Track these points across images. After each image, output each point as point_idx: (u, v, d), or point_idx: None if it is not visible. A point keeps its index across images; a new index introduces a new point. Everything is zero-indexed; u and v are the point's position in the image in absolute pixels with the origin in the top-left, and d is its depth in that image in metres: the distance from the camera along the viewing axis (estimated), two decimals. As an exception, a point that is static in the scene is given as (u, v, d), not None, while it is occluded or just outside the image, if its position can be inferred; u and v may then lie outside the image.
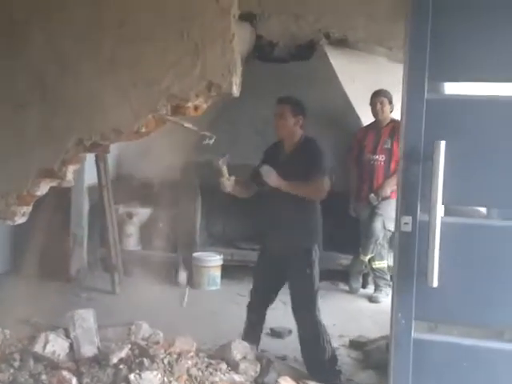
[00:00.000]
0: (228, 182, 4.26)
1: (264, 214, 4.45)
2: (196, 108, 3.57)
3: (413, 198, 3.33)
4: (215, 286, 6.74)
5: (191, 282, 6.75)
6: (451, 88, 3.45)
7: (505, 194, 3.25)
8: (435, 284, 3.22)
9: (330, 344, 4.34)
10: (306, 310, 4.30)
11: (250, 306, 4.57)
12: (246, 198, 4.53)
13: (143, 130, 3.52)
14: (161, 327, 4.01)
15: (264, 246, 4.55)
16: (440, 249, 3.20)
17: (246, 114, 6.89)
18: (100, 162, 6.37)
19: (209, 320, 5.46)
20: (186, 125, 3.68)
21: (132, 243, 7.25)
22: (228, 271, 6.86)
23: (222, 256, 6.82)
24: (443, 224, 3.21)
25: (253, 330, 4.51)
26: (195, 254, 6.81)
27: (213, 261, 6.74)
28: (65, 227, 6.78)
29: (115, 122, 3.55)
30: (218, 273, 6.76)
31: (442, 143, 3.19)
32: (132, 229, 7.24)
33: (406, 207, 3.34)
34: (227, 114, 6.86)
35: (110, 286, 6.41)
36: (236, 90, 3.50)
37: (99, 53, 3.52)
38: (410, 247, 3.33)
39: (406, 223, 3.33)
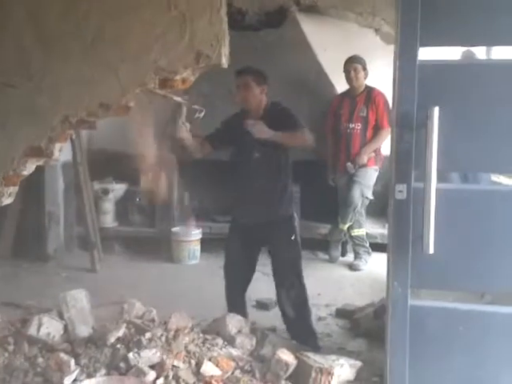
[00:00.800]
0: (182, 127, 4.14)
1: (240, 183, 4.37)
2: (184, 81, 3.50)
3: (407, 166, 3.32)
4: (195, 260, 6.72)
5: (171, 256, 6.69)
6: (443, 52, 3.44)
7: (499, 159, 3.27)
8: (431, 251, 3.24)
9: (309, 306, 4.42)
10: (293, 276, 4.31)
11: (229, 285, 4.48)
12: (197, 157, 4.43)
13: (131, 104, 3.44)
14: (148, 304, 3.97)
15: (239, 216, 4.46)
16: (435, 216, 3.22)
17: (219, 85, 6.80)
18: (75, 138, 6.23)
19: (194, 294, 5.43)
20: (176, 98, 3.61)
21: (109, 220, 7.15)
22: (206, 245, 6.83)
23: (200, 230, 6.78)
24: (438, 190, 3.22)
25: (236, 309, 4.39)
26: (174, 229, 6.76)
27: (192, 235, 6.70)
28: (39, 206, 6.64)
29: (102, 97, 3.46)
30: (197, 247, 6.74)
31: (436, 109, 3.18)
32: (108, 205, 7.13)
33: (400, 175, 3.33)
34: (200, 85, 6.75)
35: (90, 264, 6.32)
36: (225, 61, 3.44)
37: (84, 28, 3.41)
38: (404, 215, 3.34)
39: (400, 191, 3.33)
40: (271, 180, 4.27)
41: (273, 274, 4.41)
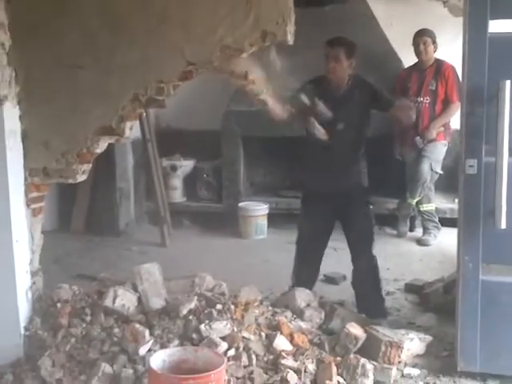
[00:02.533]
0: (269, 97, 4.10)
1: (319, 153, 4.34)
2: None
3: (477, 141, 3.29)
4: (262, 235, 6.77)
5: (238, 231, 6.78)
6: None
7: None
8: (503, 226, 3.22)
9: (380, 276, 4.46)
10: (366, 249, 4.35)
11: (301, 258, 4.49)
12: (281, 120, 4.31)
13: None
14: (217, 278, 4.05)
15: (317, 189, 4.41)
16: (507, 190, 3.18)
17: (286, 61, 6.79)
18: (143, 116, 6.36)
19: (262, 269, 5.51)
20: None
21: (177, 195, 7.28)
22: (273, 220, 6.88)
23: (267, 205, 6.83)
24: (510, 165, 3.18)
25: (307, 276, 4.46)
26: (241, 204, 6.83)
27: (259, 210, 6.76)
28: (110, 182, 6.82)
29: (169, 76, 3.55)
30: (264, 222, 6.79)
31: (508, 83, 3.14)
32: (176, 181, 7.26)
33: (470, 150, 3.31)
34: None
35: (160, 238, 6.47)
36: (291, 38, 3.46)
37: (150, 10, 3.50)
38: (475, 190, 3.32)
39: (470, 166, 3.30)
40: (351, 152, 4.31)
41: (348, 246, 4.42)
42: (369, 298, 4.33)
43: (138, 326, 3.39)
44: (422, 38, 6.31)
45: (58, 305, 3.65)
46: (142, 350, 3.29)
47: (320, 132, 4.17)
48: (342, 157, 4.27)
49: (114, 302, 3.56)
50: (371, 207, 4.40)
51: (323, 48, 4.27)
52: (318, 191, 4.39)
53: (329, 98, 4.23)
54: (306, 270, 4.49)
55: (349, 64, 4.24)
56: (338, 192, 4.25)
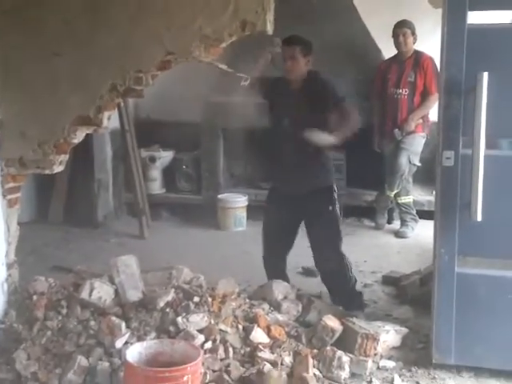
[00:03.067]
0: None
1: (280, 153, 4.34)
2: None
3: (454, 133, 3.30)
4: (241, 227, 6.75)
5: (217, 223, 6.76)
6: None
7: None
8: (479, 218, 3.23)
9: (352, 271, 4.39)
10: (331, 248, 4.29)
11: (268, 254, 4.49)
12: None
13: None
14: (195, 270, 4.04)
15: (278, 186, 4.43)
16: (483, 183, 3.19)
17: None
18: (122, 106, 6.31)
19: (240, 261, 5.50)
20: (221, 66, 3.62)
21: (156, 187, 7.24)
22: (252, 212, 6.85)
23: (247, 197, 6.82)
24: (486, 157, 3.20)
25: (277, 275, 4.39)
26: (220, 196, 6.82)
27: (239, 202, 6.75)
28: (88, 173, 6.76)
29: (148, 65, 3.52)
30: (243, 214, 6.77)
31: (485, 75, 3.15)
32: (155, 173, 7.21)
33: (447, 142, 3.32)
34: (244, 52, 6.74)
35: (138, 230, 6.44)
36: (270, 28, 3.45)
37: (130, -2, 3.47)
38: (452, 182, 3.32)
39: (447, 158, 3.31)
40: (307, 149, 4.17)
41: (311, 247, 4.39)
42: (341, 293, 4.30)
43: (114, 318, 3.38)
44: (402, 30, 6.31)
45: (34, 297, 3.62)
46: (119, 343, 3.28)
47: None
48: (297, 154, 4.18)
49: (90, 295, 3.53)
50: (336, 206, 4.28)
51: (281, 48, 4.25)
52: (279, 187, 4.41)
53: (283, 95, 4.24)
54: (271, 266, 4.48)
55: (306, 62, 4.22)
56: (297, 190, 4.23)
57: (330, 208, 4.26)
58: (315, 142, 3.98)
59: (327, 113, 4.15)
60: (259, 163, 7.14)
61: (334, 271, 4.33)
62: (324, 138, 3.98)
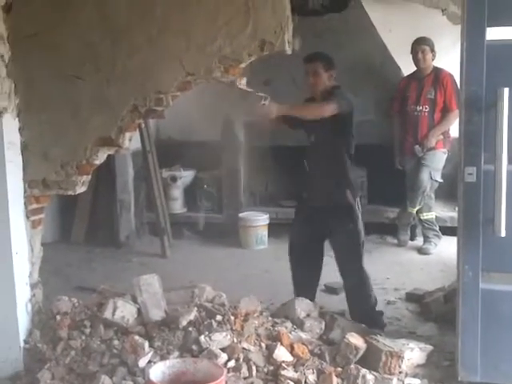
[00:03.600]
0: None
1: (304, 170, 4.42)
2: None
3: (476, 149, 3.28)
4: (263, 245, 6.76)
5: (239, 241, 6.77)
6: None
7: None
8: (503, 234, 3.20)
9: (373, 290, 4.40)
10: (352, 264, 4.30)
11: (295, 270, 4.49)
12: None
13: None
14: (218, 288, 4.04)
15: (303, 204, 4.51)
16: (506, 198, 3.17)
17: (285, 70, 6.81)
18: (143, 127, 6.37)
19: (262, 279, 5.50)
20: (241, 86, 3.64)
21: (177, 206, 7.29)
22: (273, 230, 6.86)
23: (268, 215, 6.83)
24: (509, 173, 3.18)
25: (306, 290, 4.42)
26: (242, 214, 6.83)
27: (260, 220, 6.76)
28: (110, 194, 6.83)
29: (169, 87, 3.56)
30: (265, 232, 6.78)
31: (506, 90, 3.13)
32: (176, 192, 7.26)
33: (469, 158, 3.30)
34: (264, 71, 6.78)
35: (160, 249, 6.46)
36: (289, 48, 3.47)
37: (150, 20, 3.51)
38: (474, 198, 3.30)
39: (470, 174, 3.29)
40: (327, 165, 4.28)
41: (336, 261, 4.41)
42: (362, 311, 4.28)
43: (137, 337, 3.38)
44: (421, 47, 6.32)
45: (58, 317, 3.65)
46: (142, 362, 3.28)
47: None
48: (321, 171, 4.27)
49: (113, 314, 3.55)
50: (359, 224, 4.28)
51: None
52: (305, 203, 4.46)
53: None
54: (301, 283, 4.48)
55: (328, 77, 4.28)
56: (320, 206, 4.28)
57: (351, 225, 4.26)
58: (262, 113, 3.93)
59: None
60: (281, 180, 7.17)
61: (355, 288, 4.34)
62: (270, 109, 3.90)
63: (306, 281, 4.51)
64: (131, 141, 3.83)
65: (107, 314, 3.55)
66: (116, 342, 3.45)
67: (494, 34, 3.24)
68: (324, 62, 4.27)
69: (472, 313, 3.36)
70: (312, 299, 4.30)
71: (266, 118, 4.02)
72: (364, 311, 4.30)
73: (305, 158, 4.46)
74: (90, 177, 3.77)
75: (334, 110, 4.06)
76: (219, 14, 3.44)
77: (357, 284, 4.33)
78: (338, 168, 4.29)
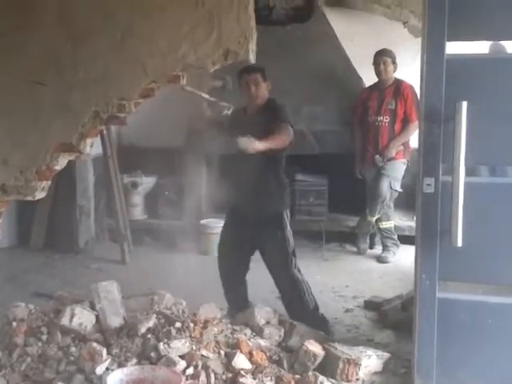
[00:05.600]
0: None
1: (234, 180, 4.44)
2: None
3: (434, 160, 3.33)
4: (224, 253, 6.74)
5: (200, 248, 6.75)
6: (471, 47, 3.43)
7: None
8: (459, 244, 3.25)
9: (312, 295, 4.45)
10: (282, 271, 4.38)
11: (226, 276, 4.57)
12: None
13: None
14: (177, 296, 4.03)
15: (234, 213, 4.55)
16: (463, 209, 3.22)
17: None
18: (105, 133, 6.32)
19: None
20: (204, 95, 3.65)
21: (138, 213, 7.25)
22: (234, 237, 6.85)
23: (228, 222, 6.82)
24: (466, 184, 3.23)
25: (237, 300, 4.52)
26: (203, 221, 6.82)
27: (221, 227, 6.71)
28: (70, 199, 6.75)
29: (132, 93, 3.55)
30: (226, 239, 6.76)
31: (464, 104, 3.19)
32: (137, 198, 7.23)
33: (428, 168, 3.35)
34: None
35: (120, 256, 6.42)
36: (253, 57, 3.49)
37: (114, 25, 3.49)
38: (432, 208, 3.35)
39: (428, 184, 3.34)
40: (257, 177, 4.28)
41: (268, 270, 4.46)
42: (301, 317, 4.26)
43: (95, 344, 3.35)
44: (382, 58, 6.42)
45: (14, 323, 3.58)
46: (99, 370, 3.25)
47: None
48: (250, 177, 4.26)
49: (71, 321, 3.52)
50: (287, 231, 4.36)
51: (239, 78, 4.40)
52: (235, 214, 4.52)
53: (242, 121, 4.37)
54: (231, 293, 4.56)
55: (266, 86, 4.37)
56: (250, 216, 4.34)
57: (279, 234, 4.34)
58: (242, 146, 3.93)
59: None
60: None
61: (289, 294, 4.42)
62: (249, 143, 3.92)
63: (234, 288, 4.59)
64: (92, 146, 3.80)
65: (65, 321, 3.51)
66: (73, 349, 3.41)
67: (453, 48, 3.30)
68: (262, 72, 4.34)
69: (428, 321, 3.40)
70: (244, 305, 4.39)
71: (246, 151, 3.96)
72: (302, 316, 4.31)
73: (232, 167, 4.48)
74: (49, 182, 3.73)
75: (291, 134, 4.18)
76: (184, 22, 3.44)
77: (290, 290, 4.40)
78: (270, 177, 4.35)
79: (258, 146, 3.94)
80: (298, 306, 4.38)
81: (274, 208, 4.37)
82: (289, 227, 4.39)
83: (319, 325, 4.31)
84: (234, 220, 4.52)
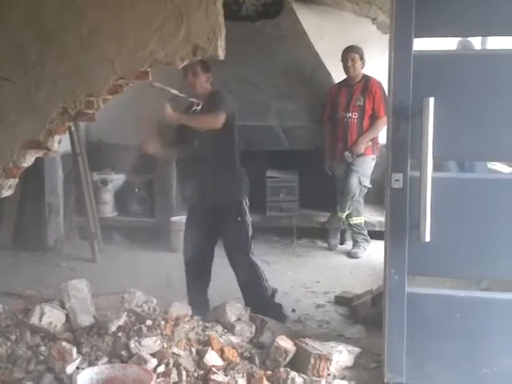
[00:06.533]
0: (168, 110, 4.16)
1: (195, 174, 4.51)
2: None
3: (403, 155, 3.36)
4: (195, 249, 6.72)
5: (170, 246, 6.72)
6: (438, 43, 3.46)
7: (495, 147, 3.31)
8: (427, 239, 3.29)
9: (267, 282, 4.55)
10: (242, 255, 4.49)
11: (190, 269, 4.62)
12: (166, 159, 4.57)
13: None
14: (148, 293, 4.01)
15: (196, 204, 4.61)
16: (431, 204, 3.26)
17: (217, 75, 6.81)
18: (73, 130, 6.26)
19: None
20: (173, 91, 3.64)
21: (108, 210, 7.19)
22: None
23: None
24: (434, 179, 3.27)
25: (198, 293, 4.57)
26: (174, 218, 6.78)
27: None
28: (39, 197, 6.68)
29: (98, 89, 3.52)
30: (197, 236, 6.75)
31: (431, 100, 3.22)
32: (107, 196, 7.16)
33: (396, 164, 3.38)
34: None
35: (90, 254, 6.36)
36: (222, 53, 3.48)
37: (82, 22, 3.46)
38: (401, 203, 3.38)
39: (396, 180, 3.37)
40: (213, 167, 4.39)
41: (227, 256, 4.56)
42: (257, 303, 4.36)
43: (65, 343, 3.33)
44: (350, 55, 6.45)
45: (-18, 323, 3.55)
46: (69, 369, 3.23)
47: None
48: (206, 170, 4.38)
49: (40, 320, 3.49)
50: (247, 218, 4.51)
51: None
52: (197, 205, 4.57)
53: (189, 113, 4.43)
54: (195, 288, 4.59)
55: (207, 78, 4.45)
56: (211, 206, 4.41)
57: (239, 218, 4.47)
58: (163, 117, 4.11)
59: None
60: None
61: (246, 279, 4.49)
62: (170, 114, 4.11)
63: (204, 286, 4.64)
64: (60, 143, 3.76)
65: (34, 320, 3.48)
66: (43, 349, 3.39)
67: (420, 44, 3.33)
68: (201, 63, 4.35)
69: (398, 316, 3.44)
70: (205, 301, 4.50)
71: (166, 121, 4.17)
72: (258, 302, 4.41)
73: (190, 160, 4.52)
74: (17, 180, 3.69)
75: (223, 118, 4.22)
76: (152, 19, 3.42)
77: (247, 275, 4.49)
78: (224, 168, 4.45)
79: (171, 115, 4.11)
80: (256, 290, 4.49)
81: (232, 196, 4.49)
82: (248, 214, 4.52)
83: (275, 311, 4.41)
84: (196, 212, 4.60)
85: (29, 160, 3.64)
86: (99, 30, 3.44)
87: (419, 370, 3.47)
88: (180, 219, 6.72)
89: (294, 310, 4.81)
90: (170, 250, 6.66)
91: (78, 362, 3.27)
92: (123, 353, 3.32)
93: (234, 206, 4.48)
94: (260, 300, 4.46)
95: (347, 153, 6.44)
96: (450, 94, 3.28)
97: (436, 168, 3.32)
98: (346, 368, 3.76)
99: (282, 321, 4.37)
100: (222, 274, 4.64)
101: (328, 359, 3.56)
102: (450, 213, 3.36)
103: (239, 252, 4.50)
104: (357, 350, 3.87)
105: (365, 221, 6.67)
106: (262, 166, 6.90)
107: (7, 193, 3.69)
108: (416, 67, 3.28)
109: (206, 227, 4.49)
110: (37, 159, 3.77)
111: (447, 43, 3.49)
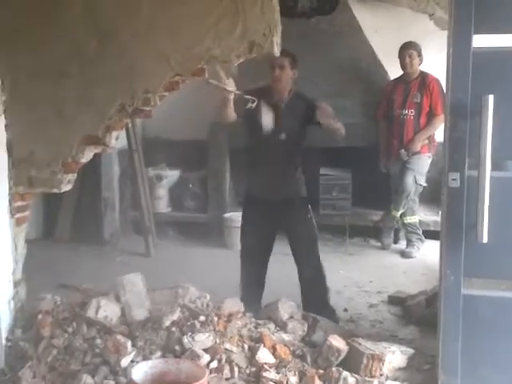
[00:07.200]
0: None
1: (259, 167, 4.44)
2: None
3: (460, 154, 3.29)
4: (247, 246, 6.75)
5: (223, 242, 6.76)
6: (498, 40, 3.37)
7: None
8: (485, 240, 3.22)
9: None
10: (311, 253, 4.44)
11: (247, 264, 4.54)
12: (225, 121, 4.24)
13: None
14: (201, 289, 4.04)
15: (255, 200, 4.47)
16: (489, 204, 3.19)
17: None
18: (130, 126, 6.36)
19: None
20: (229, 88, 3.64)
21: (162, 205, 7.29)
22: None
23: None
24: (492, 179, 3.19)
25: (254, 289, 4.50)
26: (227, 215, 6.82)
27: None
28: (96, 192, 6.82)
29: (157, 86, 3.56)
30: (249, 232, 6.77)
31: (491, 97, 3.15)
32: (162, 191, 7.26)
33: (453, 163, 3.31)
34: (250, 72, 6.79)
35: (144, 248, 6.46)
36: (277, 50, 3.48)
37: (138, 20, 3.51)
38: (458, 203, 3.32)
39: (453, 179, 3.30)
40: (289, 162, 4.38)
41: (293, 254, 4.49)
42: (315, 303, 4.35)
43: (120, 337, 3.38)
44: (408, 51, 6.37)
45: (40, 315, 3.63)
46: (124, 362, 3.27)
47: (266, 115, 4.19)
48: (279, 166, 4.33)
49: (96, 313, 3.54)
50: (311, 216, 4.45)
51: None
52: (257, 199, 4.45)
53: (272, 107, 4.30)
54: (251, 283, 4.52)
55: (293, 74, 4.34)
56: (276, 200, 4.32)
57: (309, 216, 4.42)
58: (321, 114, 4.14)
59: (310, 123, 4.31)
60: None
61: (311, 277, 4.43)
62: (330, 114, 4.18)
63: (256, 278, 4.55)
64: (118, 139, 3.83)
65: (90, 313, 3.54)
66: (99, 341, 3.43)
67: (480, 41, 3.26)
68: (291, 58, 4.29)
69: (453, 317, 3.38)
70: (259, 299, 4.43)
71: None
72: (318, 303, 4.37)
73: (266, 150, 4.36)
74: (75, 175, 3.77)
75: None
76: (208, 15, 3.45)
77: (313, 273, 4.43)
78: (294, 164, 4.43)
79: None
80: (319, 291, 4.44)
81: (300, 192, 4.45)
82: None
83: (329, 314, 4.33)
84: (255, 208, 4.45)
85: (87, 155, 3.72)
86: (155, 27, 3.49)
87: (474, 372, 3.40)
88: (233, 215, 6.78)
89: (346, 310, 4.79)
90: (223, 246, 6.72)
91: (132, 355, 3.30)
92: (177, 347, 3.35)
93: (302, 203, 4.44)
94: (320, 300, 4.40)
95: (403, 151, 6.36)
96: (510, 92, 3.21)
97: (495, 167, 3.25)
98: (399, 369, 3.71)
99: (334, 319, 4.32)
100: (272, 272, 4.62)
101: (381, 359, 3.52)
102: (508, 213, 3.27)
103: (308, 249, 4.44)
104: (410, 350, 3.82)
105: (419, 220, 6.59)
106: (316, 163, 6.87)
107: (66, 188, 3.77)
108: (475, 64, 3.21)
109: (269, 220, 4.40)
110: (94, 155, 3.85)
111: (508, 40, 3.39)
